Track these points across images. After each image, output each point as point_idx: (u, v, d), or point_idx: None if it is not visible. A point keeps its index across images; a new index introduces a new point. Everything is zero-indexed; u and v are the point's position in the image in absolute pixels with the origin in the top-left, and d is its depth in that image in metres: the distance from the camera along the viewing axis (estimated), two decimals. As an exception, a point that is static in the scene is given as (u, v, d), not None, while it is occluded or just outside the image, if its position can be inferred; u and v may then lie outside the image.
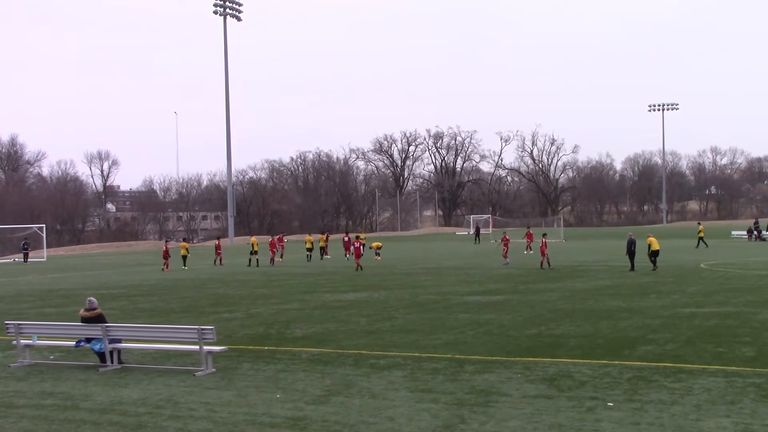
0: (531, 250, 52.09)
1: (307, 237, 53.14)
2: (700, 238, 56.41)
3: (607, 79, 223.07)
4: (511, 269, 37.35)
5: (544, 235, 39.87)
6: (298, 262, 47.92)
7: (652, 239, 35.88)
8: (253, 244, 47.56)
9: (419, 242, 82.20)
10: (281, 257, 48.34)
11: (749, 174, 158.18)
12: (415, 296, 25.76)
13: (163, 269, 42.51)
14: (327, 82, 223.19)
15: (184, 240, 52.59)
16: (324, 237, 53.98)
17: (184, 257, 44.50)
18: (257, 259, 45.49)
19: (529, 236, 54.66)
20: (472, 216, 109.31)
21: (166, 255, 43.92)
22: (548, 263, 37.61)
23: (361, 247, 42.09)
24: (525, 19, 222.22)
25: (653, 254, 35.22)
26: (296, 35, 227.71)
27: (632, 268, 34.52)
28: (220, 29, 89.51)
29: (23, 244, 61.36)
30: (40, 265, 54.64)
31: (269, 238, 49.16)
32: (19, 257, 63.13)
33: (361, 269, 38.88)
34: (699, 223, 62.55)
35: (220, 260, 46.74)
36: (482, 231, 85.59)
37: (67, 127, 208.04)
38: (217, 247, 47.61)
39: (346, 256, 49.50)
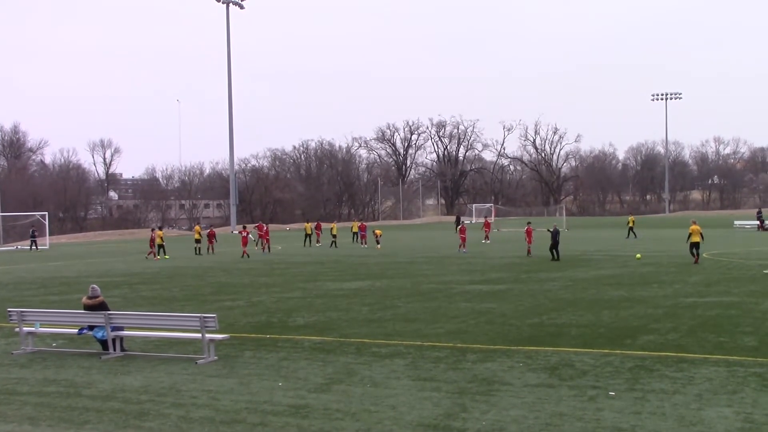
0: (488, 239, 53.90)
1: (333, 225, 55.35)
2: (630, 229, 56.82)
3: (610, 69, 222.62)
4: (512, 258, 37.33)
5: (529, 223, 40.82)
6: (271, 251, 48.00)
7: (694, 228, 32.51)
8: (196, 232, 48.69)
9: (421, 231, 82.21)
10: (256, 246, 49.21)
11: (752, 164, 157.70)
12: (417, 285, 25.77)
13: (149, 257, 42.92)
14: (330, 70, 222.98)
15: (159, 228, 51.70)
16: (314, 225, 55.81)
17: (161, 246, 44.26)
18: (198, 248, 46.78)
19: (487, 226, 55.77)
20: (474, 205, 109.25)
21: (153, 243, 44.01)
22: (528, 251, 38.46)
23: (248, 235, 44.65)
24: (527, 8, 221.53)
25: (694, 246, 32.28)
26: (299, 23, 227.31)
27: (553, 258, 35.23)
28: (222, 17, 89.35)
29: (32, 232, 61.53)
30: (42, 252, 54.76)
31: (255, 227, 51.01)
32: (22, 244, 63.26)
33: (247, 257, 41.74)
34: (630, 214, 63.49)
35: (211, 249, 46.85)
36: (487, 220, 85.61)
37: (69, 115, 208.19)
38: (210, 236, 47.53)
39: (363, 244, 51.75)
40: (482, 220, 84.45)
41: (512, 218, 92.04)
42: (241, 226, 55.27)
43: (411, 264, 35.35)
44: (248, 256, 41.94)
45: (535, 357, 13.35)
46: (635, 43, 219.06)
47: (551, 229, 36.27)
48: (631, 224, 57.33)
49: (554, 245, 35.43)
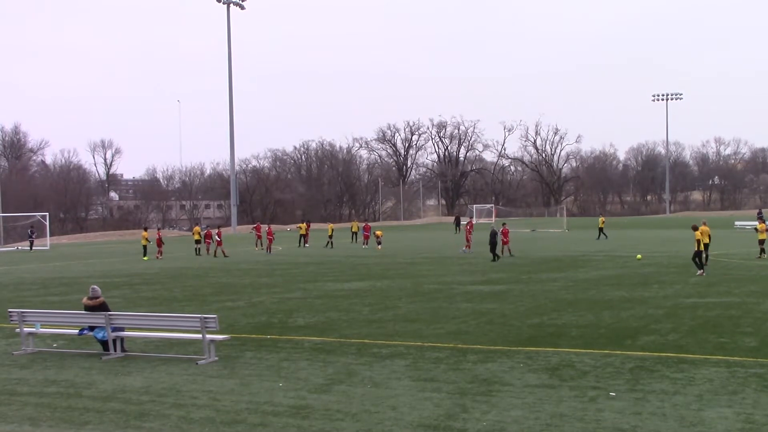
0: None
1: (330, 225, 56.64)
2: (600, 230, 56.80)
3: (611, 69, 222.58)
4: (512, 259, 37.30)
5: (504, 224, 41.63)
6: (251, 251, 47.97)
7: (703, 229, 29.25)
8: (195, 233, 48.68)
9: (422, 231, 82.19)
10: (257, 247, 49.98)
11: (753, 164, 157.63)
12: (418, 285, 25.77)
13: (157, 257, 43.09)
14: (330, 70, 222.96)
15: (145, 229, 51.37)
16: (305, 225, 55.69)
17: (145, 247, 44.27)
18: (199, 248, 46.51)
19: (470, 225, 56.03)
20: (475, 205, 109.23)
21: (159, 242, 44.32)
22: (509, 251, 39.10)
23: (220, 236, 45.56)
24: (527, 8, 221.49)
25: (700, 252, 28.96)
26: (299, 24, 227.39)
27: (493, 259, 35.64)
28: (223, 17, 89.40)
29: (29, 232, 61.08)
30: (43, 253, 54.69)
31: (260, 228, 51.83)
32: (22, 245, 63.10)
33: (213, 256, 43.67)
34: (601, 215, 63.44)
35: (208, 249, 46.52)
36: (486, 221, 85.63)
37: (70, 116, 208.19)
38: (207, 236, 47.00)
39: (364, 244, 51.75)
40: (483, 220, 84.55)
41: (513, 219, 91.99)
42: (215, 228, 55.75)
43: (411, 264, 35.35)
44: (217, 255, 43.30)
45: (536, 357, 13.35)
46: (635, 43, 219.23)
47: (491, 230, 36.80)
48: (601, 225, 57.43)
49: (492, 246, 35.84)
